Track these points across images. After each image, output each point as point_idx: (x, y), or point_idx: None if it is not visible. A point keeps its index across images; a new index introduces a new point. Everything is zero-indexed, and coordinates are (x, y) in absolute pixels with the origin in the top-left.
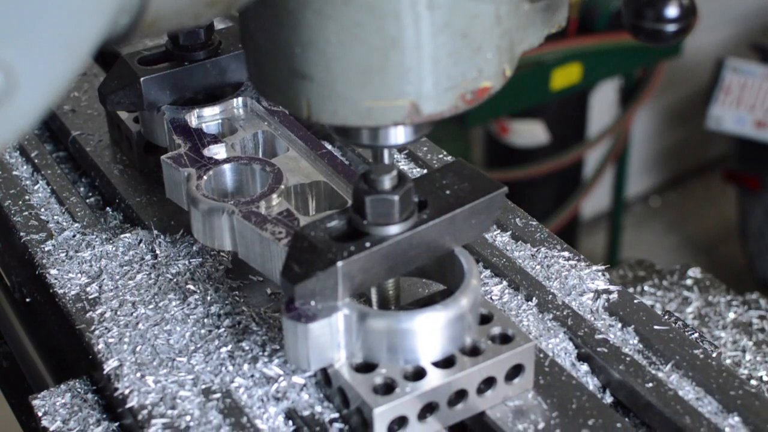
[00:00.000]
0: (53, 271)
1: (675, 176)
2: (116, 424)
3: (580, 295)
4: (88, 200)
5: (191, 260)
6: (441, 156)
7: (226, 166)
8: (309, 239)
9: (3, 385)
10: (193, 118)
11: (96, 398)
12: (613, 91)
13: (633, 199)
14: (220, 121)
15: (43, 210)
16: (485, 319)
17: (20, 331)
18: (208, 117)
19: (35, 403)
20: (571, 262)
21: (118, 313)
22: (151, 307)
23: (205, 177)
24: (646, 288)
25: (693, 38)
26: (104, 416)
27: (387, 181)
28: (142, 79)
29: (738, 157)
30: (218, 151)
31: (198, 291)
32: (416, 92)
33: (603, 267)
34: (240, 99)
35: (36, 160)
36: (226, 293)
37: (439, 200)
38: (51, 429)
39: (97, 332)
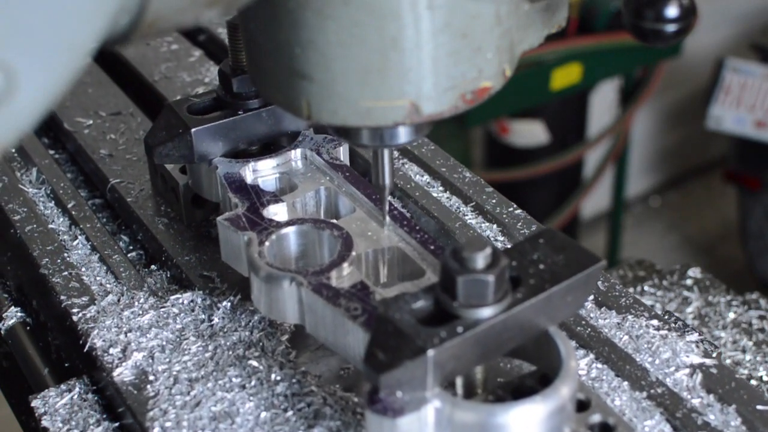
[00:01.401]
0: (99, 342)
1: (675, 176)
2: (116, 424)
3: (675, 371)
4: (129, 254)
5: (252, 331)
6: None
7: (290, 230)
8: (394, 323)
9: (3, 385)
10: (248, 173)
11: (96, 398)
12: (613, 91)
13: (633, 199)
14: (277, 175)
15: (83, 269)
16: (582, 406)
17: (20, 332)
18: (264, 171)
19: (35, 403)
20: (661, 332)
21: (173, 391)
22: (209, 385)
23: (267, 242)
24: (646, 288)
25: (693, 38)
26: (104, 416)
27: (480, 260)
28: (193, 130)
29: (738, 157)
30: (278, 212)
31: (261, 367)
32: (416, 92)
33: (698, 337)
34: (298, 151)
35: (73, 212)
36: (292, 369)
37: (532, 276)
38: (51, 429)
39: (151, 414)
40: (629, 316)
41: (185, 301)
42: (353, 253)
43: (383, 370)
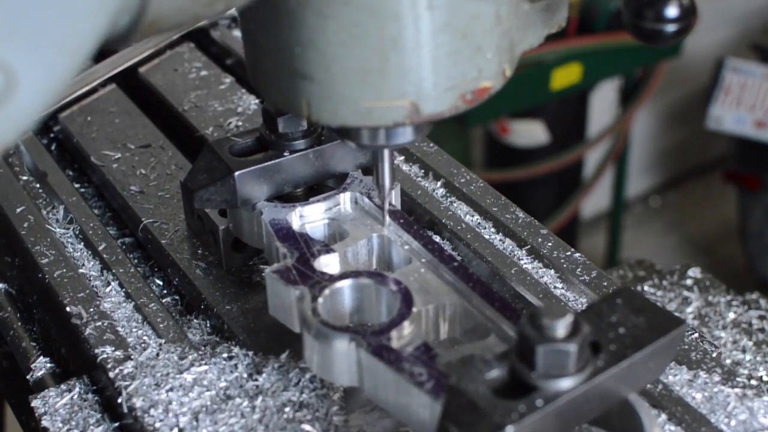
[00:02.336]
0: (139, 403)
1: (675, 176)
2: (116, 424)
3: None
4: (164, 299)
5: (302, 391)
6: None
7: (345, 285)
8: (468, 395)
9: (3, 385)
10: (295, 218)
11: (96, 398)
12: (613, 91)
13: (633, 199)
14: (326, 221)
15: (118, 319)
16: None
17: (20, 331)
18: (312, 216)
19: (35, 403)
20: (736, 390)
21: None
22: None
23: (320, 298)
24: (646, 288)
25: (693, 38)
26: (104, 416)
27: (561, 328)
28: (236, 173)
29: (738, 157)
30: (330, 263)
31: (315, 431)
32: (416, 92)
33: None
34: (348, 195)
35: (104, 255)
36: None
37: (613, 341)
38: (51, 429)
39: None
40: (701, 373)
41: (230, 357)
42: (414, 310)
43: None
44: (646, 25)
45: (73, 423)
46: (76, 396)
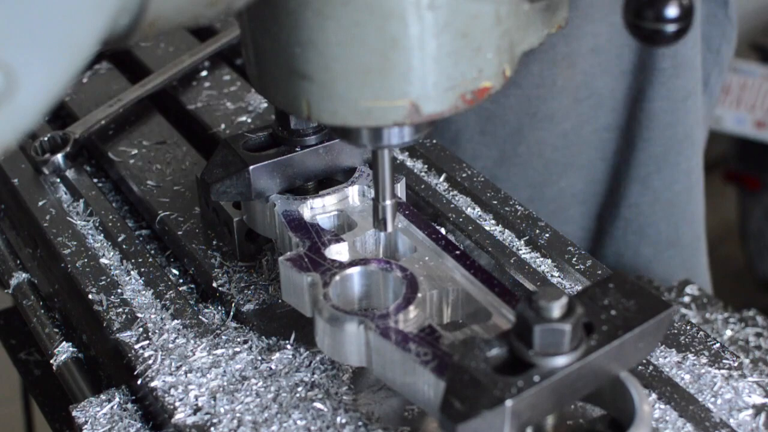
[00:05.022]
0: (159, 383)
1: None
2: None
3: (738, 411)
4: (180, 288)
5: (314, 372)
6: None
7: (354, 272)
8: (470, 372)
9: (36, 395)
10: (306, 210)
11: (135, 408)
12: None
13: None
14: (335, 213)
15: (137, 305)
16: None
17: (44, 318)
18: (322, 209)
19: (75, 413)
20: (722, 371)
21: None
22: (273, 428)
23: (331, 284)
24: None
25: None
26: (144, 426)
27: (557, 309)
28: (251, 167)
29: (738, 157)
30: (340, 251)
31: (326, 409)
32: (416, 92)
33: (758, 378)
34: (356, 188)
35: (124, 246)
36: (357, 412)
37: (605, 323)
38: None
39: None
40: (689, 355)
41: (244, 341)
42: (419, 295)
43: (461, 419)
44: (646, 25)
45: None
46: (116, 406)
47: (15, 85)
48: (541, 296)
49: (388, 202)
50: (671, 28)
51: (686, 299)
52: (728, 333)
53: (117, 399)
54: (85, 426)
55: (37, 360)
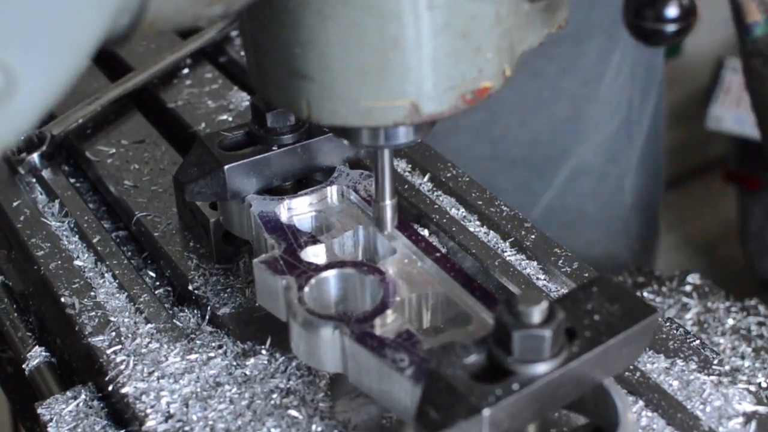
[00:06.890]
0: (130, 389)
1: (675, 176)
2: (123, 431)
3: (728, 419)
4: (156, 291)
5: (289, 378)
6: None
7: (330, 275)
8: (447, 379)
9: (7, 391)
10: (283, 211)
11: (101, 405)
12: None
13: None
14: (313, 213)
15: (111, 309)
16: None
17: (17, 321)
18: (299, 209)
19: (41, 410)
20: (712, 378)
21: None
22: None
23: (306, 287)
24: (645, 294)
25: (693, 38)
26: (110, 423)
27: (537, 314)
28: (226, 167)
29: (738, 157)
30: (317, 253)
31: (301, 417)
32: (416, 92)
33: (747, 386)
34: (335, 188)
35: (99, 248)
36: (334, 420)
37: (587, 328)
38: None
39: None
40: (678, 361)
41: (219, 346)
42: (397, 299)
43: (436, 429)
44: (646, 25)
45: (79, 430)
46: (81, 403)
47: (15, 85)
48: (520, 300)
49: (388, 202)
50: (671, 28)
51: (687, 288)
52: (730, 322)
53: (83, 396)
54: (50, 423)
55: (11, 357)
